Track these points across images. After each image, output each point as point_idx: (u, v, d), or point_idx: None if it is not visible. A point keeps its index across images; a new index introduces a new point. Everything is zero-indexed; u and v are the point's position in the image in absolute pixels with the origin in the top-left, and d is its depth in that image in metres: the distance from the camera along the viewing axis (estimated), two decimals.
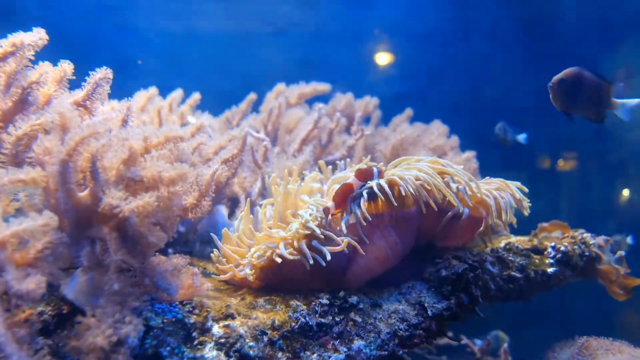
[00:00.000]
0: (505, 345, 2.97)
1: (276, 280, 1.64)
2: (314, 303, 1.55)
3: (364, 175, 1.68)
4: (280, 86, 3.20)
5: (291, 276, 1.61)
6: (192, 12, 5.21)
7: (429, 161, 1.77)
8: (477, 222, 1.84)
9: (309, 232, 1.55)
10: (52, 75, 1.52)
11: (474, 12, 5.22)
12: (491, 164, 3.04)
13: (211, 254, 1.78)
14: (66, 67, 1.54)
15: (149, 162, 1.26)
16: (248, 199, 1.93)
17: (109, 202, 1.18)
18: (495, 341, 3.60)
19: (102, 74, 1.54)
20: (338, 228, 1.61)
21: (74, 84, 1.57)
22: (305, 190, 1.93)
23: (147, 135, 1.28)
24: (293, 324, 1.48)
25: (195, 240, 2.11)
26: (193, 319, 1.35)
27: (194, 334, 1.32)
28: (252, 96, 3.14)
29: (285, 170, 1.95)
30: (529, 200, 1.88)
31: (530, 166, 4.95)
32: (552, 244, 2.25)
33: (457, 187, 1.71)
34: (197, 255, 2.08)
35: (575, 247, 2.24)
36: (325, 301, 1.56)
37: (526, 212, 1.87)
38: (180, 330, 1.31)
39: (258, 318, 1.46)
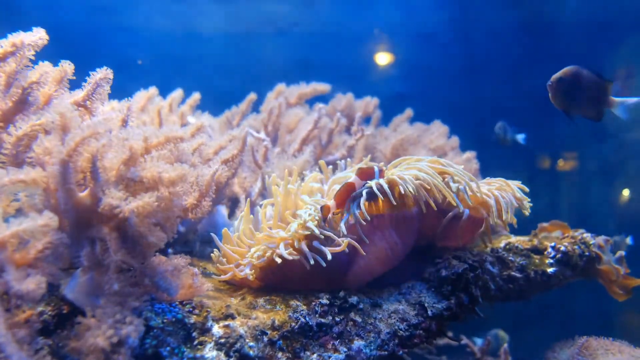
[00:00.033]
0: (506, 345, 2.97)
1: (276, 280, 1.64)
2: (314, 303, 1.55)
3: (365, 174, 1.68)
4: (280, 86, 3.20)
5: (291, 276, 1.61)
6: (192, 12, 5.22)
7: (429, 161, 1.77)
8: (478, 222, 1.84)
9: (308, 232, 1.55)
10: (52, 75, 1.52)
11: (474, 12, 5.23)
12: (491, 164, 3.04)
13: (211, 254, 1.78)
14: (67, 67, 1.54)
15: (149, 163, 1.26)
16: (248, 199, 1.93)
17: (109, 202, 1.18)
18: (495, 340, 3.60)
19: (103, 74, 1.54)
20: (339, 228, 1.61)
21: (74, 84, 1.58)
22: (306, 190, 1.93)
23: (147, 136, 1.28)
24: (293, 324, 1.48)
25: (195, 240, 2.11)
26: (193, 319, 1.35)
27: (194, 334, 1.33)
28: (252, 96, 3.14)
29: (286, 170, 1.95)
30: (529, 200, 1.88)
31: (530, 166, 4.95)
32: (552, 244, 2.25)
33: (458, 187, 1.71)
34: (197, 255, 2.08)
35: (575, 247, 2.24)
36: (325, 301, 1.56)
37: (527, 212, 1.87)
38: (180, 330, 1.31)
39: (258, 318, 1.46)
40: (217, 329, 1.36)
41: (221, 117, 3.18)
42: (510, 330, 3.73)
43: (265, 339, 1.41)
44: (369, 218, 1.58)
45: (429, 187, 1.64)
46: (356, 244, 1.56)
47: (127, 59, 4.97)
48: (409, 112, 3.34)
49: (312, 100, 3.22)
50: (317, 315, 1.52)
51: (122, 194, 1.20)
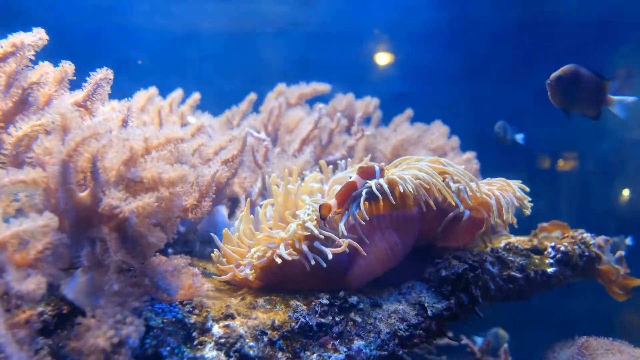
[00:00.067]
0: (506, 345, 2.97)
1: (276, 281, 1.64)
2: (314, 303, 1.55)
3: (367, 173, 1.68)
4: (280, 86, 3.20)
5: (291, 276, 1.61)
6: (192, 12, 5.21)
7: (429, 160, 1.77)
8: (478, 223, 1.84)
9: (308, 232, 1.55)
10: (52, 75, 1.52)
11: (474, 12, 5.22)
12: (491, 164, 3.04)
13: (212, 254, 1.78)
14: (67, 67, 1.54)
15: (149, 163, 1.26)
16: (248, 199, 1.93)
17: (109, 202, 1.18)
18: (495, 339, 3.60)
19: (103, 75, 1.54)
20: (339, 228, 1.61)
21: (73, 84, 1.58)
22: (306, 190, 1.93)
23: (147, 136, 1.28)
24: (293, 324, 1.48)
25: (195, 240, 2.11)
26: (193, 319, 1.35)
27: (194, 334, 1.33)
28: (252, 96, 3.14)
29: (286, 171, 1.95)
30: (530, 199, 1.88)
31: (530, 166, 4.95)
32: (552, 244, 2.25)
33: (458, 188, 1.71)
34: (197, 255, 2.08)
35: (575, 247, 2.24)
36: (325, 301, 1.56)
37: (528, 212, 1.87)
38: (180, 330, 1.31)
39: (258, 318, 1.46)
40: (217, 329, 1.36)
41: (221, 117, 3.18)
42: (510, 330, 3.73)
43: (265, 339, 1.41)
44: (367, 218, 1.58)
45: (428, 187, 1.64)
46: (357, 245, 1.56)
47: (127, 59, 4.97)
48: (409, 112, 3.34)
49: (312, 101, 3.22)
50: (317, 315, 1.52)
51: (122, 194, 1.20)
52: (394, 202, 1.63)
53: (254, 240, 1.75)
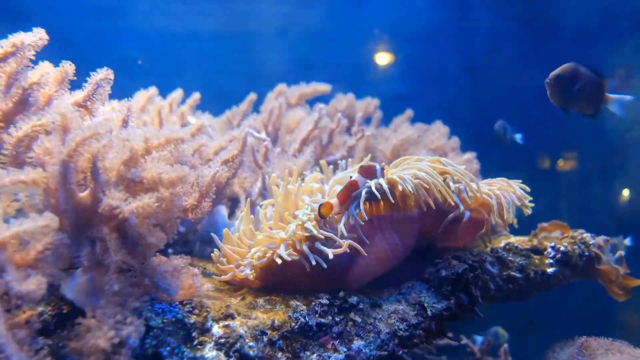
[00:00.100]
0: (506, 345, 2.97)
1: (276, 281, 1.64)
2: (313, 303, 1.56)
3: (368, 172, 1.68)
4: (281, 86, 3.20)
5: (291, 277, 1.61)
6: (192, 12, 5.22)
7: (429, 160, 1.77)
8: (479, 224, 1.84)
9: (307, 233, 1.55)
10: (53, 75, 1.52)
11: (474, 12, 5.23)
12: (491, 165, 3.05)
13: (212, 254, 1.78)
14: (67, 67, 1.54)
15: (150, 164, 1.26)
16: (248, 200, 1.93)
17: (108, 202, 1.18)
18: (495, 338, 3.60)
19: (103, 75, 1.54)
20: (338, 228, 1.61)
21: (73, 84, 1.58)
22: (306, 190, 1.93)
23: (148, 137, 1.28)
24: (293, 324, 1.48)
25: (195, 240, 2.11)
26: (193, 319, 1.35)
27: (194, 334, 1.33)
28: (253, 96, 3.14)
29: (286, 171, 1.95)
30: (531, 198, 1.88)
31: (530, 166, 4.95)
32: (552, 244, 2.25)
33: (458, 188, 1.70)
34: (197, 255, 2.08)
35: (575, 247, 2.24)
36: (325, 301, 1.56)
37: (529, 211, 1.87)
38: (180, 330, 1.31)
39: (258, 318, 1.46)
40: (217, 329, 1.36)
41: (221, 117, 3.18)
42: (510, 330, 3.73)
43: (265, 339, 1.41)
44: (366, 218, 1.58)
45: (427, 187, 1.64)
46: (357, 246, 1.56)
47: (127, 59, 4.97)
48: (409, 112, 3.35)
49: (312, 101, 3.22)
50: (316, 315, 1.52)
51: (122, 194, 1.20)
52: (393, 202, 1.63)
53: (254, 240, 1.75)
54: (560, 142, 4.97)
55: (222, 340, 1.34)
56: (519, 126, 3.45)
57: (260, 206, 1.96)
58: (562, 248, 2.21)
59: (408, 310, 1.66)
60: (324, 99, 3.28)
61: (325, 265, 1.51)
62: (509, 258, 2.12)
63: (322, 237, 1.56)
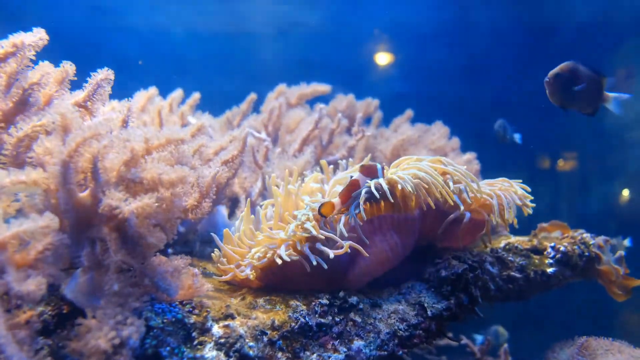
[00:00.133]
0: (506, 345, 2.98)
1: (276, 281, 1.64)
2: (313, 303, 1.56)
3: (369, 171, 1.68)
4: (281, 87, 3.20)
5: (292, 277, 1.61)
6: (192, 12, 5.22)
7: (430, 160, 1.76)
8: (479, 224, 1.84)
9: (307, 234, 1.55)
10: (53, 76, 1.52)
11: (475, 12, 5.23)
12: (491, 165, 3.05)
13: (212, 254, 1.79)
14: (68, 68, 1.54)
15: (150, 164, 1.26)
16: (248, 200, 1.93)
17: (108, 203, 1.18)
18: (495, 337, 3.60)
19: (104, 75, 1.54)
20: (338, 228, 1.61)
21: (74, 84, 1.58)
22: (306, 190, 1.93)
23: (148, 137, 1.28)
24: (293, 324, 1.48)
25: (195, 240, 2.11)
26: (193, 319, 1.35)
27: (194, 334, 1.33)
28: (253, 96, 3.14)
29: (286, 171, 1.95)
30: (533, 197, 1.88)
31: (530, 166, 4.95)
32: (552, 244, 2.25)
33: (459, 188, 1.70)
34: (197, 255, 2.08)
35: (575, 247, 2.24)
36: (325, 301, 1.56)
37: (530, 211, 1.87)
38: (180, 330, 1.31)
39: (258, 318, 1.46)
40: (217, 329, 1.36)
41: (222, 117, 3.18)
42: (510, 330, 3.73)
43: (265, 339, 1.41)
44: (365, 218, 1.58)
45: (427, 186, 1.64)
46: (358, 247, 1.56)
47: (127, 59, 4.97)
48: (409, 113, 3.35)
49: (313, 101, 3.22)
50: (316, 316, 1.52)
51: (122, 194, 1.20)
52: (393, 202, 1.63)
53: (254, 240, 1.75)
54: (560, 142, 4.97)
55: (222, 340, 1.34)
56: (519, 126, 3.45)
57: (261, 206, 1.96)
58: (562, 248, 2.21)
59: (408, 310, 1.66)
60: (324, 99, 3.28)
61: (325, 266, 1.51)
62: (509, 258, 2.12)
63: (323, 237, 1.56)
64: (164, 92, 2.82)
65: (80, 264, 1.22)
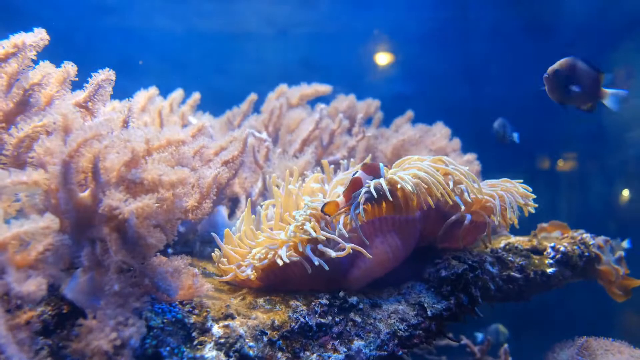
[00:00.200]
0: (506, 345, 2.98)
1: (277, 281, 1.64)
2: (313, 303, 1.56)
3: (371, 170, 1.68)
4: (282, 87, 3.21)
5: (292, 277, 1.61)
6: (192, 12, 5.22)
7: (431, 160, 1.75)
8: (480, 226, 1.83)
9: (306, 236, 1.55)
10: (54, 76, 1.52)
11: (475, 13, 5.23)
12: (491, 165, 3.05)
13: (212, 254, 1.79)
14: (69, 68, 1.54)
15: (150, 165, 1.26)
16: (249, 200, 1.93)
17: (109, 203, 1.19)
18: (496, 335, 3.60)
19: (105, 76, 1.54)
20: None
21: (74, 84, 1.58)
22: (307, 190, 1.93)
23: (149, 138, 1.28)
24: (293, 324, 1.48)
25: (196, 240, 2.12)
26: (193, 319, 1.35)
27: (194, 334, 1.33)
28: (253, 97, 3.14)
29: (287, 171, 1.95)
30: (535, 196, 1.88)
31: (530, 166, 4.95)
32: (552, 244, 2.25)
33: (460, 189, 1.70)
34: (197, 255, 2.08)
35: (575, 247, 2.24)
36: (324, 301, 1.56)
37: (532, 210, 1.87)
38: (180, 330, 1.32)
39: (258, 318, 1.46)
40: (216, 329, 1.37)
41: (222, 117, 3.18)
42: (510, 330, 3.74)
43: (265, 339, 1.41)
44: (364, 219, 1.58)
45: (427, 186, 1.63)
46: (361, 249, 1.56)
47: (127, 59, 4.98)
48: (409, 113, 3.35)
49: (313, 101, 3.22)
50: (316, 316, 1.53)
51: (123, 195, 1.20)
52: (395, 204, 1.63)
53: (254, 241, 1.75)
54: (560, 142, 4.97)
55: (222, 340, 1.34)
56: (519, 126, 3.45)
57: (261, 206, 1.96)
58: (561, 248, 2.21)
59: (408, 311, 1.66)
60: (325, 99, 3.29)
61: (327, 268, 1.51)
62: (509, 258, 2.12)
63: (324, 238, 1.56)
64: (164, 92, 2.83)
65: (81, 264, 1.23)
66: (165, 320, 1.30)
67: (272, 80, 3.31)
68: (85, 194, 1.23)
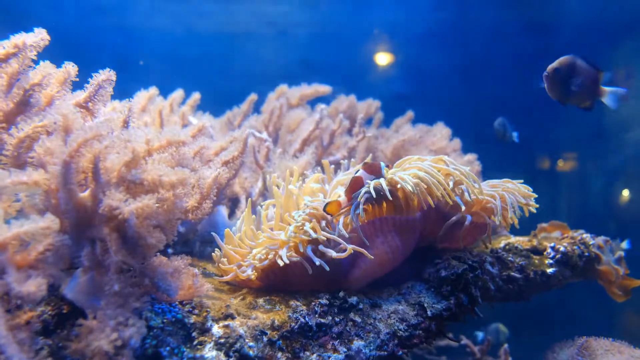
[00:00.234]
0: (506, 345, 2.98)
1: (277, 281, 1.64)
2: (313, 303, 1.56)
3: (372, 169, 1.68)
4: (282, 87, 3.21)
5: (292, 277, 1.61)
6: (192, 12, 5.22)
7: (432, 160, 1.75)
8: (480, 227, 1.83)
9: (306, 237, 1.55)
10: (55, 76, 1.52)
11: (474, 13, 5.23)
12: (491, 165, 3.05)
13: (212, 254, 1.79)
14: (70, 69, 1.54)
15: (151, 166, 1.26)
16: (249, 200, 1.93)
17: (109, 203, 1.19)
18: (496, 334, 3.60)
19: (106, 76, 1.54)
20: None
21: (74, 84, 1.58)
22: (307, 190, 1.93)
23: (149, 138, 1.28)
24: (293, 324, 1.48)
25: (195, 240, 2.12)
26: (193, 319, 1.36)
27: (194, 334, 1.33)
28: (253, 97, 3.15)
29: (287, 171, 1.95)
30: (536, 196, 1.88)
31: (530, 166, 4.96)
32: (552, 244, 2.25)
33: (461, 189, 1.70)
34: (197, 255, 2.08)
35: (575, 247, 2.24)
36: (324, 301, 1.56)
37: (533, 210, 1.87)
38: (180, 330, 1.32)
39: (258, 318, 1.46)
40: (216, 329, 1.37)
41: (222, 117, 3.18)
42: (510, 330, 3.74)
43: (265, 339, 1.41)
44: (364, 219, 1.58)
45: (427, 186, 1.63)
46: (362, 250, 1.56)
47: (127, 59, 4.98)
48: (410, 114, 3.35)
49: (313, 102, 3.23)
50: (316, 316, 1.53)
51: (123, 195, 1.20)
52: (396, 204, 1.63)
53: (255, 241, 1.75)
54: (560, 142, 4.97)
55: (222, 340, 1.34)
56: (519, 126, 3.45)
57: (261, 206, 1.96)
58: (561, 248, 2.21)
59: (408, 311, 1.66)
60: (325, 99, 3.29)
61: (328, 268, 1.51)
62: (509, 258, 2.13)
63: (324, 238, 1.56)
64: (164, 92, 2.83)
65: (81, 264, 1.23)
66: (165, 320, 1.30)
67: (272, 80, 3.31)
68: (85, 194, 1.23)
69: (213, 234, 1.78)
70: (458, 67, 5.24)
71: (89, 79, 1.56)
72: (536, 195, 1.88)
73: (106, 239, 1.21)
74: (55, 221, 1.09)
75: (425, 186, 1.63)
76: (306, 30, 5.38)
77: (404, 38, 5.35)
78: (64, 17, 4.81)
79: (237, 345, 1.34)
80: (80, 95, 1.54)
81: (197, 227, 2.08)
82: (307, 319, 1.50)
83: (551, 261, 2.19)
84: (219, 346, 1.33)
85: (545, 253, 2.23)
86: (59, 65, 1.54)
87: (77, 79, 1.57)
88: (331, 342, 1.49)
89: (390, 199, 1.59)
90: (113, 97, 1.69)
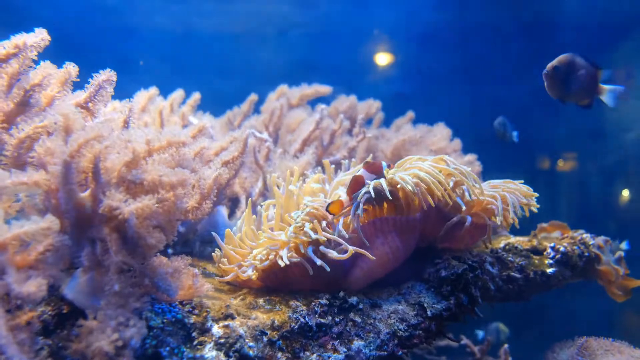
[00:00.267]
0: (506, 345, 2.98)
1: (277, 281, 1.64)
2: (313, 303, 1.56)
3: (373, 168, 1.67)
4: (282, 87, 3.21)
5: (293, 278, 1.61)
6: (192, 12, 5.23)
7: (433, 160, 1.75)
8: (480, 228, 1.83)
9: (306, 237, 1.55)
10: (56, 77, 1.52)
11: (474, 13, 5.23)
12: (491, 165, 3.05)
13: (213, 254, 1.79)
14: (71, 69, 1.54)
15: (151, 166, 1.26)
16: (250, 200, 1.93)
17: (109, 203, 1.19)
18: (496, 334, 3.60)
19: (106, 76, 1.54)
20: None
21: (75, 84, 1.58)
22: (307, 191, 1.93)
23: (150, 139, 1.28)
24: (293, 324, 1.48)
25: (195, 240, 2.12)
26: (193, 319, 1.36)
27: (194, 334, 1.33)
28: (254, 97, 3.15)
29: (288, 171, 1.95)
30: (537, 195, 1.88)
31: (530, 166, 4.96)
32: (552, 244, 2.25)
33: (462, 189, 1.70)
34: (197, 255, 2.08)
35: (575, 247, 2.24)
36: (324, 301, 1.56)
37: (534, 210, 1.86)
38: (180, 330, 1.32)
39: (258, 318, 1.47)
40: (216, 329, 1.37)
41: (222, 117, 3.18)
42: (510, 330, 3.74)
43: (265, 339, 1.41)
44: (365, 219, 1.58)
45: (427, 186, 1.63)
46: (363, 251, 1.55)
47: (127, 59, 4.98)
48: (410, 114, 3.35)
49: (314, 102, 3.23)
50: (316, 316, 1.53)
51: (123, 195, 1.20)
52: (397, 204, 1.63)
53: (255, 241, 1.75)
54: (560, 142, 4.97)
55: (222, 341, 1.34)
56: (519, 127, 3.45)
57: (261, 206, 1.96)
58: (561, 248, 2.21)
59: (408, 311, 1.66)
60: (326, 100, 3.29)
61: (328, 269, 1.51)
62: (509, 258, 2.13)
63: (325, 239, 1.56)
64: (164, 92, 2.83)
65: (81, 264, 1.23)
66: (165, 321, 1.30)
67: (272, 80, 3.31)
68: (85, 194, 1.24)
69: (213, 234, 1.78)
70: (458, 67, 5.24)
71: (90, 79, 1.56)
72: (537, 195, 1.87)
73: (106, 239, 1.21)
74: (55, 222, 1.09)
75: (426, 186, 1.62)
76: (306, 30, 5.38)
77: (404, 38, 5.35)
78: (64, 17, 4.81)
79: (237, 346, 1.35)
80: (81, 96, 1.54)
81: (197, 227, 2.08)
82: (307, 319, 1.51)
83: (551, 261, 2.19)
84: (219, 346, 1.33)
85: (545, 253, 2.23)
86: (59, 66, 1.54)
87: (78, 79, 1.57)
88: (331, 342, 1.50)
89: (391, 199, 1.59)
90: (113, 97, 1.69)
